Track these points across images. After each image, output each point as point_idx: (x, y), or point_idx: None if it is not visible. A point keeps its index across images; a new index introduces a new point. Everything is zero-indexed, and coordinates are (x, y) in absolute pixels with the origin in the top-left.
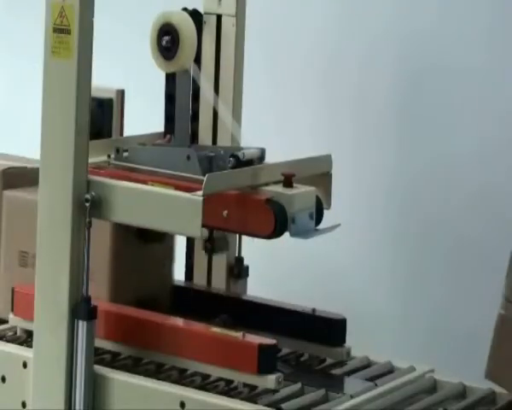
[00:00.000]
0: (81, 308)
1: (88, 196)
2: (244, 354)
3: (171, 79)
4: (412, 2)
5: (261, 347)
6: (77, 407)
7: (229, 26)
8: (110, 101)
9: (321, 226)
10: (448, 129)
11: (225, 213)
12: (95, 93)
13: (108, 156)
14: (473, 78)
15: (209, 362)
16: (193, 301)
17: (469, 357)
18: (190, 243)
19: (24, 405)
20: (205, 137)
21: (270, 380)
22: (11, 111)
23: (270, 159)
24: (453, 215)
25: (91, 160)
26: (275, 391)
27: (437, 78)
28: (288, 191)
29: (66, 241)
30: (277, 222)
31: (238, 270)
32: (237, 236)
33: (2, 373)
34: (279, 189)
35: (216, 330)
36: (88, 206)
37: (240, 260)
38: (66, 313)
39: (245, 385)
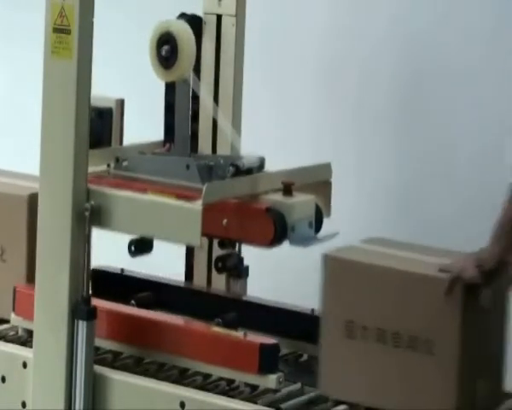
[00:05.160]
0: (81, 308)
1: (88, 206)
2: (245, 353)
3: (170, 87)
4: (413, 3)
5: (262, 346)
6: (77, 407)
7: (229, 26)
8: (110, 110)
9: (320, 235)
10: (448, 129)
11: (225, 221)
12: (94, 102)
13: (108, 165)
14: (472, 78)
15: (210, 362)
16: (193, 302)
17: None
18: None
19: (24, 405)
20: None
21: (271, 380)
22: (11, 107)
23: (270, 167)
24: (453, 215)
25: (91, 169)
26: (276, 391)
27: (436, 78)
28: (288, 200)
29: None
30: (277, 231)
31: (238, 270)
32: None
33: (2, 373)
34: (279, 197)
35: (217, 329)
36: (87, 215)
37: (240, 260)
38: (66, 313)
39: (246, 385)
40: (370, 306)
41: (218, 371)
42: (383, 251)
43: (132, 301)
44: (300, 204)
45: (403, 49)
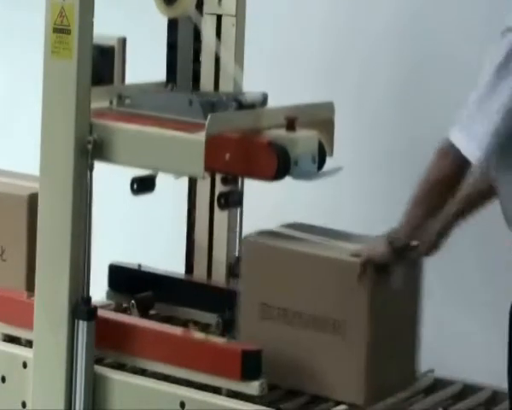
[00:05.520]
0: (81, 309)
1: (90, 139)
2: (228, 360)
3: (173, 25)
4: (413, 1)
5: (245, 353)
6: (77, 407)
7: (229, 26)
8: (112, 48)
9: (323, 170)
10: (448, 127)
11: (228, 156)
12: (97, 41)
13: (111, 102)
14: (472, 76)
15: (193, 368)
16: (210, 298)
17: (469, 357)
18: (191, 243)
19: (24, 405)
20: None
21: (253, 386)
22: (10, 107)
23: None
24: None
25: (94, 106)
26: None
27: (436, 76)
28: (291, 134)
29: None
30: (280, 164)
31: (238, 270)
32: (237, 236)
33: (2, 373)
34: (282, 132)
35: (200, 336)
36: (90, 148)
37: (240, 259)
38: (67, 313)
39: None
40: (285, 288)
41: (200, 378)
42: (300, 236)
43: (132, 302)
44: (303, 139)
45: (402, 47)
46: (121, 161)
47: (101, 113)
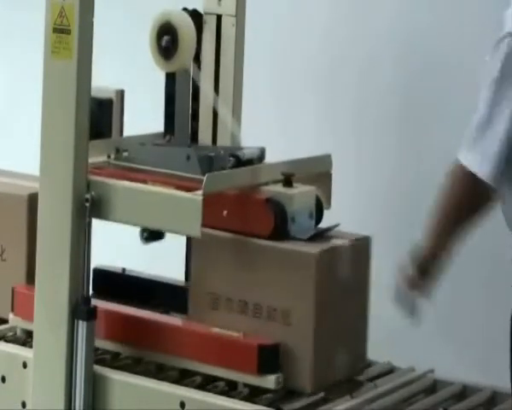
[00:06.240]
0: (81, 309)
1: (88, 196)
2: (244, 354)
3: (170, 78)
4: (414, 3)
5: (261, 347)
6: (77, 407)
7: (229, 26)
8: (110, 101)
9: (321, 226)
10: (447, 125)
11: (225, 212)
12: (94, 93)
13: (108, 156)
14: (473, 78)
15: (209, 362)
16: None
17: (469, 357)
18: (190, 243)
19: (24, 405)
20: (205, 136)
21: (269, 380)
22: (10, 107)
23: (271, 158)
24: None
25: (91, 160)
26: (274, 391)
27: (437, 75)
28: (288, 191)
29: (67, 241)
30: (277, 222)
31: None
32: None
33: (2, 373)
34: (279, 188)
35: (216, 330)
36: (88, 206)
37: None
38: (66, 313)
39: (245, 385)
40: (233, 278)
41: (216, 372)
42: None
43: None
44: (301, 195)
45: (403, 47)
46: (118, 218)
47: (98, 167)
